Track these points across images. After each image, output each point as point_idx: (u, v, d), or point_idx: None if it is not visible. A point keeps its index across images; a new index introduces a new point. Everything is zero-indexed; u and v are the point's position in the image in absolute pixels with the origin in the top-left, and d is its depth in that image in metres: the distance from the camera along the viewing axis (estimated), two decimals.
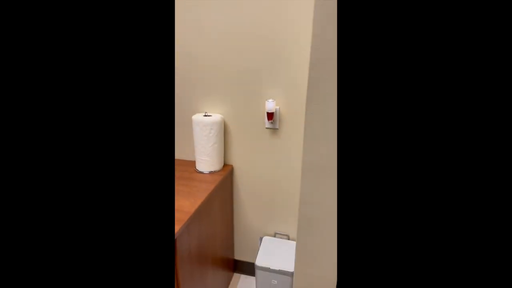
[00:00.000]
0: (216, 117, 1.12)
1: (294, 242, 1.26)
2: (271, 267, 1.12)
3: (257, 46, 1.06)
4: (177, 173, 1.16)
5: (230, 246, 1.35)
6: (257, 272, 1.15)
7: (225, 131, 1.22)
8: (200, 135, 1.12)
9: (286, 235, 1.30)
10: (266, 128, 1.16)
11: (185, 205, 0.91)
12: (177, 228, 0.79)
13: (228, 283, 1.36)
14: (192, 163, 1.27)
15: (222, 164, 1.22)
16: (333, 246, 0.71)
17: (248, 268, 1.41)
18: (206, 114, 1.16)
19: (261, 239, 1.31)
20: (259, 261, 1.15)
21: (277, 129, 1.15)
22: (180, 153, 1.32)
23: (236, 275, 1.43)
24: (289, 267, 1.11)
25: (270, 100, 1.07)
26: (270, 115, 1.10)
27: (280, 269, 1.11)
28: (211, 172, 1.17)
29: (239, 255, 1.42)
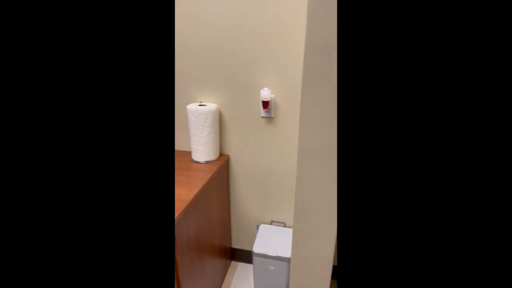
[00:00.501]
0: (211, 106, 1.12)
1: (291, 229, 1.29)
2: (268, 254, 1.14)
3: (252, 35, 1.05)
4: None
5: (228, 234, 1.37)
6: (254, 259, 1.17)
7: (220, 120, 1.21)
8: (195, 124, 1.11)
9: (282, 222, 1.32)
10: (262, 117, 1.16)
11: (182, 193, 0.92)
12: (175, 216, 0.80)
13: (226, 271, 1.38)
14: (188, 154, 1.27)
15: (218, 154, 1.22)
16: (329, 229, 0.73)
17: (246, 256, 1.44)
18: (201, 103, 1.15)
19: (257, 227, 1.33)
20: (256, 248, 1.17)
21: (273, 118, 1.15)
22: (176, 144, 1.32)
23: (233, 263, 1.46)
24: (286, 253, 1.14)
25: (265, 89, 1.07)
26: (266, 104, 1.10)
27: (277, 255, 1.13)
28: (207, 162, 1.17)
29: (236, 244, 1.44)
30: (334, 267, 1.31)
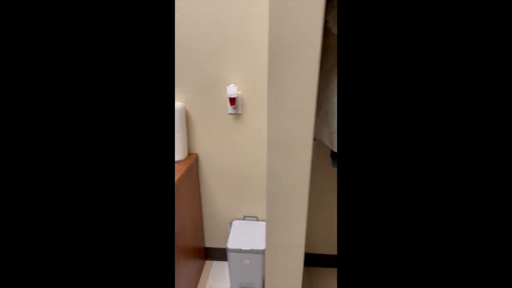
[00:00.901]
0: (176, 105, 1.10)
1: (264, 223, 1.32)
2: (243, 248, 1.16)
3: (216, 31, 1.05)
4: None
5: (200, 234, 1.35)
6: (229, 254, 1.18)
7: (187, 119, 1.19)
8: None
9: (255, 216, 1.34)
10: (229, 113, 1.17)
11: None
12: None
13: (201, 271, 1.37)
14: None
15: (187, 153, 1.20)
16: (301, 216, 0.77)
17: (220, 254, 1.44)
18: None
19: (231, 223, 1.34)
20: (230, 244, 1.18)
21: (240, 114, 1.17)
22: None
23: (208, 262, 1.44)
24: (260, 245, 1.17)
25: (231, 85, 1.08)
26: (232, 101, 1.11)
27: (252, 248, 1.16)
28: (175, 162, 1.14)
29: (210, 243, 1.43)
30: (306, 254, 1.37)
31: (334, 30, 0.73)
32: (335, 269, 1.40)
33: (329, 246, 1.38)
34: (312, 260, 1.41)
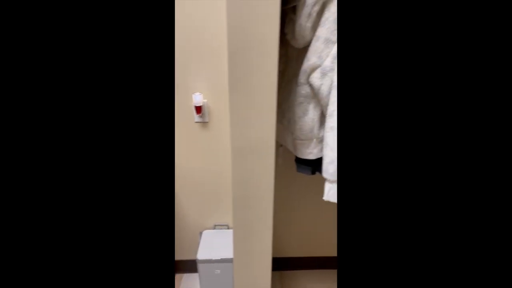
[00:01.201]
0: None
1: None
2: (213, 258, 1.14)
3: (179, 38, 1.05)
4: None
5: None
6: (199, 266, 1.15)
7: None
8: None
9: (226, 225, 1.33)
10: (196, 122, 1.16)
11: None
12: None
13: None
14: None
15: None
16: (267, 222, 0.78)
17: (190, 266, 1.40)
18: None
19: (201, 233, 1.31)
20: (200, 255, 1.15)
21: (207, 122, 1.17)
22: None
23: (178, 275, 1.39)
24: (231, 254, 1.16)
25: (197, 94, 1.08)
26: (199, 109, 1.11)
27: (222, 257, 1.14)
28: None
29: (179, 255, 1.38)
30: (276, 259, 1.39)
31: (293, 42, 0.77)
32: (306, 271, 1.44)
33: (300, 248, 1.42)
34: (283, 264, 1.43)
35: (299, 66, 0.77)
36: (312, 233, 1.38)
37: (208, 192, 1.27)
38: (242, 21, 0.60)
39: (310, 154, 0.85)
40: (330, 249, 1.42)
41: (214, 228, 1.34)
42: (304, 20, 0.67)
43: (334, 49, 0.67)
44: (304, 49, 0.73)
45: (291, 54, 0.86)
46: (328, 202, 0.75)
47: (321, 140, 0.80)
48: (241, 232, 0.79)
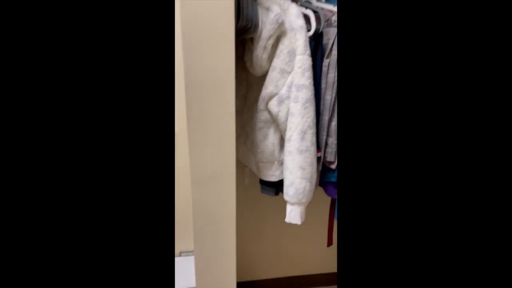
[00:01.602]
0: None
1: None
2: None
3: None
4: None
5: None
6: None
7: None
8: None
9: (192, 251, 1.28)
10: None
11: None
12: None
13: None
14: None
15: None
16: (231, 249, 0.77)
17: None
18: None
19: None
20: None
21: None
22: None
23: None
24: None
25: None
26: None
27: (188, 286, 1.09)
28: None
29: None
30: (242, 283, 1.35)
31: (252, 70, 0.81)
32: None
33: (271, 268, 1.40)
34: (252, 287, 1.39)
35: (259, 91, 0.80)
36: (283, 251, 1.37)
37: (176, 217, 1.22)
38: (198, 53, 0.61)
39: (272, 176, 0.86)
40: (303, 267, 1.42)
41: (180, 255, 1.27)
42: (260, 52, 0.70)
43: (289, 79, 0.71)
44: (263, 76, 0.77)
45: (252, 79, 0.90)
46: None
47: (282, 163, 0.83)
48: (203, 261, 0.76)
